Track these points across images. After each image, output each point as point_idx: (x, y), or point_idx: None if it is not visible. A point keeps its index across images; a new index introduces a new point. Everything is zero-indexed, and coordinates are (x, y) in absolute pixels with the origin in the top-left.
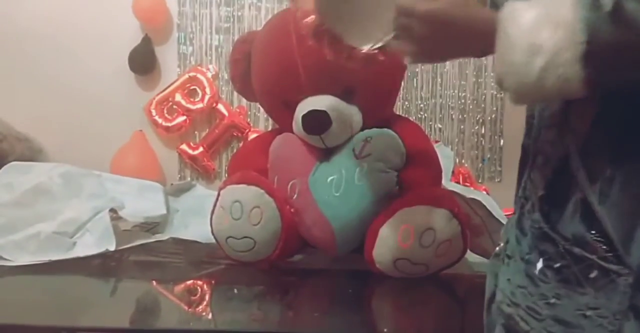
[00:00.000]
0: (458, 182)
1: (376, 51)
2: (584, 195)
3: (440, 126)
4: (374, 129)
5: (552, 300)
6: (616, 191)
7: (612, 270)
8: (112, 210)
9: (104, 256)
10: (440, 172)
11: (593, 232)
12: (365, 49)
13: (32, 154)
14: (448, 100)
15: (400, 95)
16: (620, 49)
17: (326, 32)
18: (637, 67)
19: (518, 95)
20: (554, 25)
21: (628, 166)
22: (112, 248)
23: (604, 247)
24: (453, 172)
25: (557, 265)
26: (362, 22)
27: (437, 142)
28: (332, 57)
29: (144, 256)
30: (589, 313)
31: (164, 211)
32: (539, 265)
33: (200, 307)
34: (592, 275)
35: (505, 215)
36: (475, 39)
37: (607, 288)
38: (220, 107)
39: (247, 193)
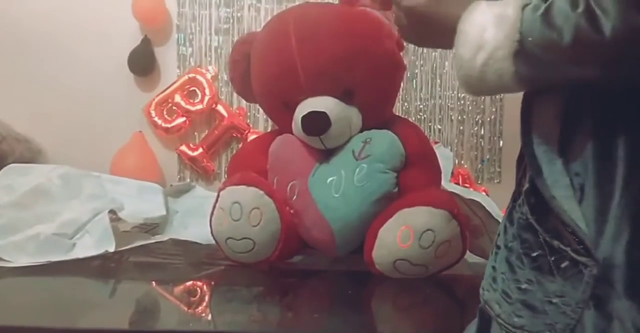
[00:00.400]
0: (457, 183)
1: None
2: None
3: (439, 127)
4: (374, 130)
5: (524, 286)
6: (590, 189)
7: (580, 261)
8: (112, 212)
9: (104, 257)
10: (440, 173)
11: (569, 227)
12: None
13: (31, 154)
14: (447, 101)
15: (400, 96)
16: (546, 48)
17: None
18: (561, 65)
19: (466, 87)
20: (499, 24)
21: (599, 164)
22: (112, 249)
23: (576, 240)
24: (452, 173)
25: (535, 254)
26: None
27: (436, 143)
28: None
29: (143, 257)
30: (555, 300)
31: (164, 212)
32: (519, 252)
33: (200, 308)
34: (563, 265)
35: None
36: (446, 34)
37: (574, 278)
38: (220, 108)
39: (247, 194)
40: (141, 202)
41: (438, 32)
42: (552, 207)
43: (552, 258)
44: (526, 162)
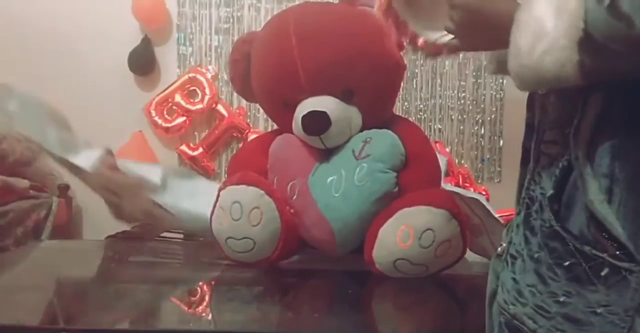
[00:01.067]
0: (458, 183)
1: (432, 41)
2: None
3: (439, 127)
4: (374, 130)
5: (562, 298)
6: (622, 190)
7: (623, 267)
8: (109, 152)
9: (104, 256)
10: (440, 172)
11: (603, 231)
12: (424, 38)
13: (32, 154)
14: (447, 100)
15: (400, 96)
16: (613, 40)
17: (394, 13)
18: (626, 58)
19: (519, 78)
20: (560, 13)
21: (632, 165)
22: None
23: (614, 245)
24: (447, 172)
25: (567, 263)
26: (429, 12)
27: (437, 142)
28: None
29: (143, 257)
30: (599, 310)
31: (159, 176)
32: (549, 263)
33: (200, 307)
34: (603, 273)
35: (502, 216)
36: (501, 30)
37: (619, 286)
38: (220, 107)
39: (247, 194)
40: (139, 167)
41: (493, 28)
42: (592, 211)
43: (588, 266)
44: (580, 171)
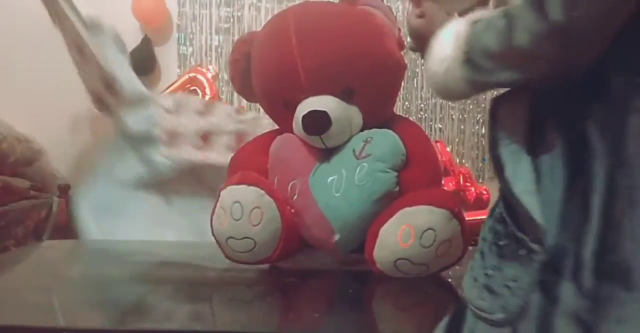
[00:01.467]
0: (458, 182)
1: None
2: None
3: (440, 126)
4: (374, 129)
5: (489, 272)
6: (547, 182)
7: (533, 249)
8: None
9: (106, 257)
10: (441, 172)
11: (526, 218)
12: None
13: (32, 154)
14: None
15: (401, 96)
16: (483, 56)
17: None
18: (495, 70)
19: (437, 93)
20: (456, 40)
21: (549, 160)
22: None
23: (534, 229)
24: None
25: (502, 242)
26: None
27: (438, 142)
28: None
29: (143, 257)
30: (510, 284)
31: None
32: (491, 242)
33: (201, 307)
34: (521, 252)
35: None
36: None
37: (528, 265)
38: None
39: (248, 193)
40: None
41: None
42: (511, 202)
43: (515, 247)
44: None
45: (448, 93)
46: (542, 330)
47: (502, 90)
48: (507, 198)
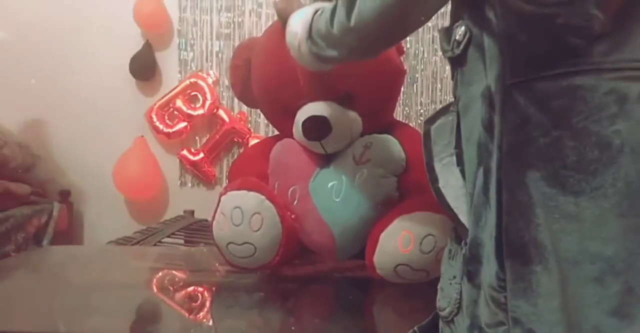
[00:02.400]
0: None
1: None
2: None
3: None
4: (374, 135)
5: (445, 275)
6: (469, 186)
7: (461, 246)
8: None
9: (105, 262)
10: None
11: (458, 220)
12: None
13: (33, 160)
14: None
15: (400, 101)
16: (318, 37)
17: None
18: (326, 47)
19: (300, 62)
20: (304, 22)
21: (470, 167)
22: None
23: (464, 231)
24: None
25: (451, 247)
26: None
27: None
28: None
29: (144, 262)
30: (452, 281)
31: None
32: (449, 246)
33: (201, 314)
34: (462, 251)
35: None
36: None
37: (459, 260)
38: (221, 112)
39: (248, 199)
40: None
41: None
42: (444, 208)
43: (457, 249)
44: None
45: (302, 61)
46: (471, 317)
47: (434, 112)
48: (441, 205)
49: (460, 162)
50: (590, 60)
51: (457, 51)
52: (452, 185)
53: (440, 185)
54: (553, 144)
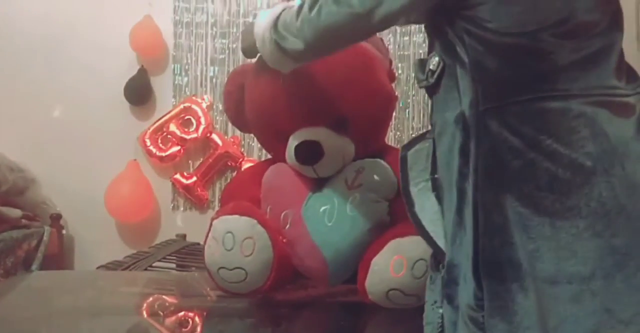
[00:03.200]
0: None
1: None
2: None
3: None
4: (366, 159)
5: (429, 301)
6: (445, 210)
7: (439, 269)
8: None
9: (95, 287)
10: None
11: (434, 243)
12: None
13: (25, 183)
14: None
15: (392, 126)
16: (282, 26)
17: None
18: (288, 37)
19: (261, 52)
20: (271, 14)
21: (444, 193)
22: None
23: (440, 253)
24: None
25: (431, 272)
26: None
27: None
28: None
29: (134, 288)
30: (434, 306)
31: None
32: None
33: None
34: (439, 275)
35: None
36: None
37: (439, 284)
38: (215, 137)
39: (240, 223)
40: None
41: None
42: (420, 232)
43: (436, 273)
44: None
45: (264, 50)
46: None
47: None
48: (417, 229)
49: (435, 187)
50: (559, 87)
51: (432, 80)
52: (427, 209)
53: (417, 209)
54: (527, 166)
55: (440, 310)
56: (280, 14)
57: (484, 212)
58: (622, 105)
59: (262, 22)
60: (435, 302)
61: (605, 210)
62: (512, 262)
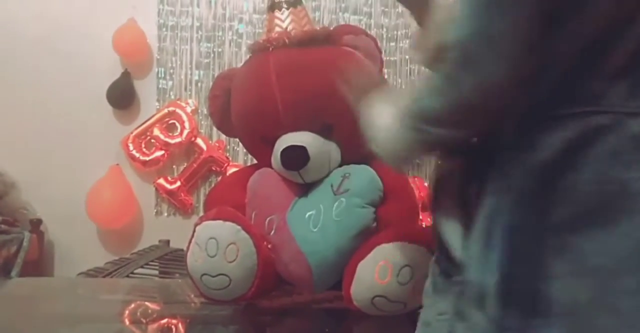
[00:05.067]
0: None
1: None
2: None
3: (418, 162)
4: (352, 165)
5: (427, 306)
6: (481, 230)
7: (454, 282)
8: None
9: (75, 294)
10: (418, 207)
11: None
12: None
13: (4, 187)
14: None
15: None
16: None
17: None
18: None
19: (387, 160)
20: (397, 111)
21: (471, 211)
22: None
23: (457, 264)
24: None
25: (435, 279)
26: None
27: (415, 177)
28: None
29: (116, 295)
30: (440, 317)
31: None
32: (435, 280)
33: None
34: (453, 288)
35: None
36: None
37: (450, 297)
38: (199, 141)
39: (223, 229)
40: None
41: None
42: (440, 239)
43: (449, 283)
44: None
45: (386, 154)
46: None
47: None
48: (433, 237)
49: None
50: (608, 102)
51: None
52: (450, 224)
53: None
54: (570, 188)
55: (449, 323)
56: (406, 109)
57: (517, 236)
58: None
59: (381, 124)
60: (443, 313)
61: None
62: (541, 294)
